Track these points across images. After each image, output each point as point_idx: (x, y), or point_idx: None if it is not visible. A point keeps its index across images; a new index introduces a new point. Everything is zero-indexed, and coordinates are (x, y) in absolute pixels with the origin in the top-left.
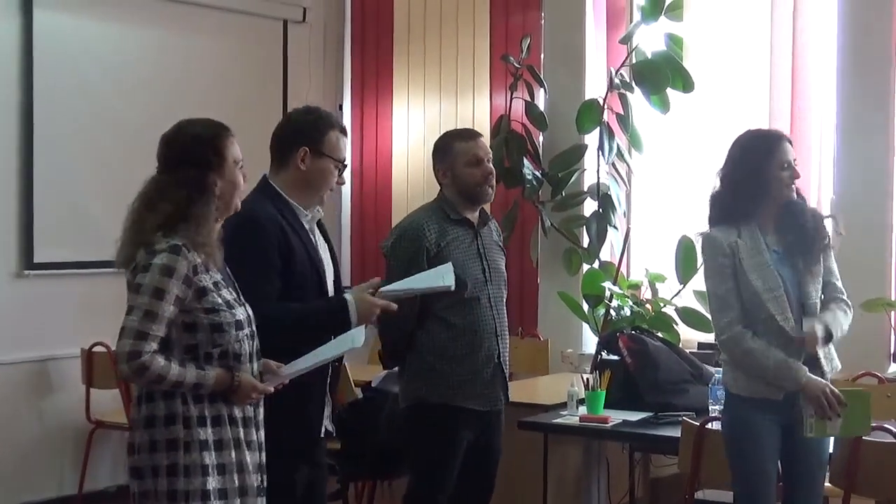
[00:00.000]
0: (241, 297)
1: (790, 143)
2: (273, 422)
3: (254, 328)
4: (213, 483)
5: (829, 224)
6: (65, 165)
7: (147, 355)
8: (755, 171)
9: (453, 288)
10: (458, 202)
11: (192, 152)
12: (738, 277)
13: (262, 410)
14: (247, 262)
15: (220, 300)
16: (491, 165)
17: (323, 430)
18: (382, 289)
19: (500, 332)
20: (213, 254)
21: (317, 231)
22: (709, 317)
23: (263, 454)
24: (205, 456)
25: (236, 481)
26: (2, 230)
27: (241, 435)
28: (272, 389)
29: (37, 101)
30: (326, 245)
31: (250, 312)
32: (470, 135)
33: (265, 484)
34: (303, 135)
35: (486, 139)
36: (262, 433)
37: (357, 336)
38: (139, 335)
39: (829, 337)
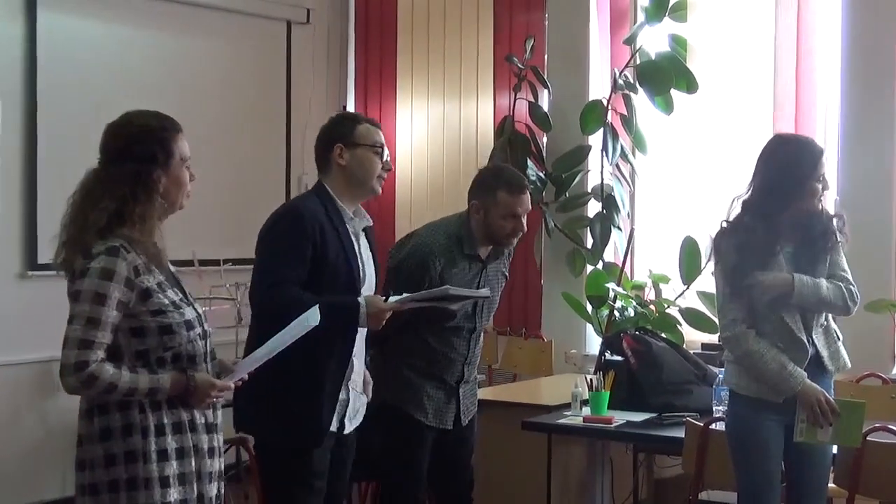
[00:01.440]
0: (189, 297)
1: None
2: (279, 414)
3: (206, 328)
4: (174, 494)
5: (836, 223)
6: (68, 166)
7: (94, 364)
8: (799, 180)
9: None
10: (479, 239)
11: (137, 145)
12: (749, 277)
13: (220, 413)
14: (275, 246)
15: (165, 301)
16: (524, 222)
17: (337, 424)
18: (392, 298)
19: (471, 359)
20: (156, 254)
21: (363, 239)
22: (712, 318)
23: (222, 459)
24: (164, 466)
25: (195, 490)
26: (5, 231)
27: (204, 442)
28: (232, 385)
29: (40, 102)
30: (372, 254)
31: (200, 312)
32: (518, 188)
33: (223, 491)
34: (333, 135)
35: (488, 143)
36: (220, 437)
37: (312, 315)
38: (83, 344)
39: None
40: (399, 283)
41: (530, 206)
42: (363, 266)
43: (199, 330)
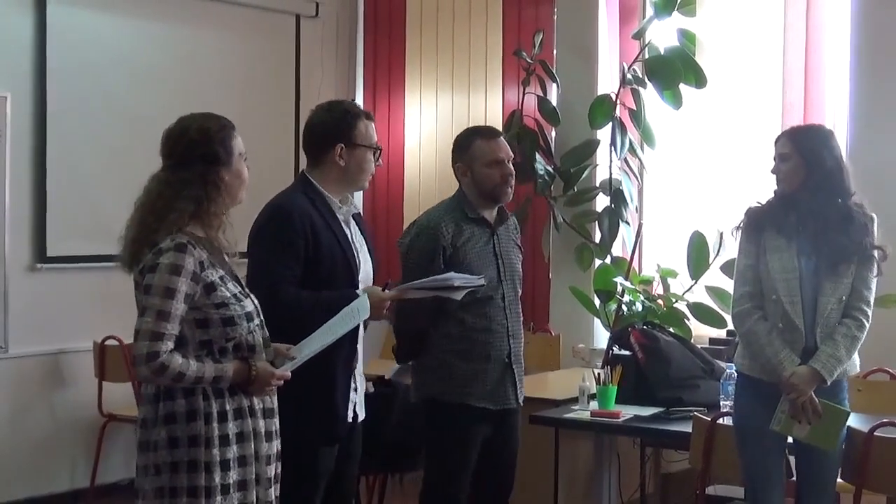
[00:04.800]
0: (246, 289)
1: (786, 137)
2: (298, 407)
3: (262, 318)
4: (233, 476)
5: (878, 254)
6: (78, 159)
7: (165, 355)
8: None
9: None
10: (476, 200)
11: (201, 147)
12: (760, 256)
13: (275, 398)
14: (268, 246)
15: (228, 294)
16: (511, 166)
17: (351, 414)
18: (399, 286)
19: (512, 331)
20: (220, 249)
21: (353, 224)
22: (721, 312)
23: (279, 441)
24: (225, 451)
25: (254, 471)
26: (15, 224)
27: (262, 427)
28: (290, 374)
29: (50, 95)
30: (364, 239)
31: (256, 303)
32: (491, 134)
33: (279, 471)
34: (335, 133)
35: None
36: (276, 422)
37: (362, 306)
38: (154, 336)
39: (822, 383)
40: (413, 264)
41: (512, 154)
42: (357, 253)
43: (257, 321)
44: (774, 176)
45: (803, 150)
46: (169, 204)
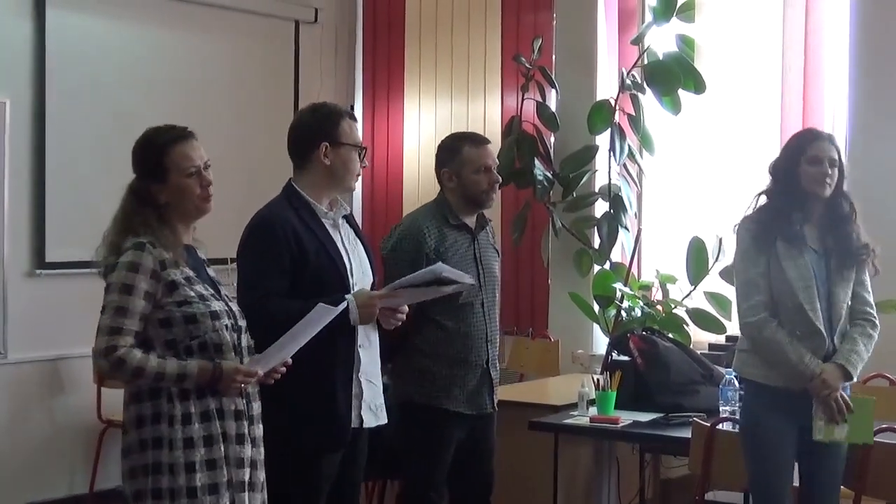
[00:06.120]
0: (221, 294)
1: (832, 143)
2: (300, 414)
3: (237, 322)
4: (201, 479)
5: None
6: (77, 165)
7: (123, 349)
8: (789, 164)
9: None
10: (459, 206)
11: (138, 160)
12: (772, 265)
13: (257, 405)
14: (253, 259)
15: (191, 293)
16: (497, 174)
17: (357, 420)
18: (389, 285)
19: (490, 337)
20: (179, 254)
21: (344, 227)
22: (720, 318)
23: (260, 449)
24: (189, 453)
25: (226, 475)
26: (14, 230)
27: (233, 429)
28: (260, 372)
29: (49, 100)
30: (359, 241)
31: (233, 308)
32: (479, 140)
33: (260, 479)
34: (318, 132)
35: (496, 142)
36: (257, 428)
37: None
38: (113, 331)
39: (848, 378)
40: (395, 268)
41: (497, 161)
42: (349, 255)
43: (226, 322)
44: (814, 180)
45: (841, 156)
46: (133, 211)
